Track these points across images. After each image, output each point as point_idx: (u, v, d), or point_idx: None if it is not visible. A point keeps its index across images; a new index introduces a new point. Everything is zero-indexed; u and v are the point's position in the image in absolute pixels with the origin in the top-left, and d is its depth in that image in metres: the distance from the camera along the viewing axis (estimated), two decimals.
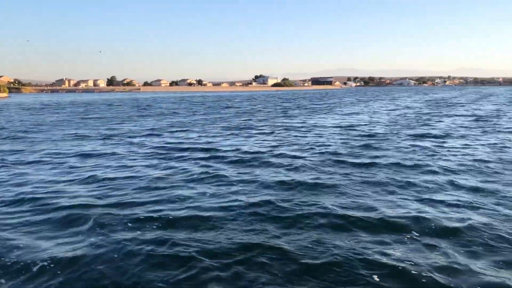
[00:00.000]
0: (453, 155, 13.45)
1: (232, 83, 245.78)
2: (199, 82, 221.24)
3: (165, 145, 16.20)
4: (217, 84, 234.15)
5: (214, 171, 11.09)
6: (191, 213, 7.66)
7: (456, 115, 29.56)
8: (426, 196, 8.66)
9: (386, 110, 37.22)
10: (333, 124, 23.93)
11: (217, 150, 14.63)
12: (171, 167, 11.78)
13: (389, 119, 26.56)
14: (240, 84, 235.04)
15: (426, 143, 15.68)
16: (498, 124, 22.78)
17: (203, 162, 12.50)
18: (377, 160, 12.49)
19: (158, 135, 19.50)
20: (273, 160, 12.67)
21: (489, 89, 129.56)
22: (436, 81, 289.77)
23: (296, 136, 18.46)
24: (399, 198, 8.44)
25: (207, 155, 13.65)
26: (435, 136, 17.64)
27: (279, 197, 8.60)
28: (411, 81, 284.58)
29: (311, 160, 12.53)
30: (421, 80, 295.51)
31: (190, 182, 10.02)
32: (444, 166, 11.63)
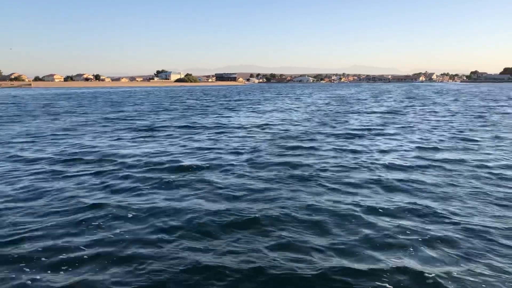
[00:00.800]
0: (385, 152, 12.56)
1: (132, 78, 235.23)
2: (97, 77, 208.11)
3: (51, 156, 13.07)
4: (117, 79, 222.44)
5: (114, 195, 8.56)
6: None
7: (368, 112, 29.49)
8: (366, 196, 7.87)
9: (297, 106, 36.59)
10: (252, 123, 22.07)
11: (121, 160, 11.97)
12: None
13: (306, 117, 25.49)
14: (141, 79, 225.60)
15: (355, 142, 14.56)
16: (410, 121, 22.72)
17: (103, 179, 9.90)
18: (312, 162, 11.09)
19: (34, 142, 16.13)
20: (209, 173, 10.46)
21: (382, 86, 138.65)
22: (332, 78, 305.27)
23: (217, 138, 16.33)
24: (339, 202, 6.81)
25: (110, 168, 10.97)
26: (362, 136, 16.63)
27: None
28: (310, 78, 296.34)
29: (242, 167, 10.65)
30: (319, 77, 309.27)
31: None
32: (378, 165, 10.70)
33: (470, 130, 18.52)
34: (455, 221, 6.87)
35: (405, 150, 13.31)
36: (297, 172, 10.29)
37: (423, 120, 23.24)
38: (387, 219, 7.02)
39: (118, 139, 16.41)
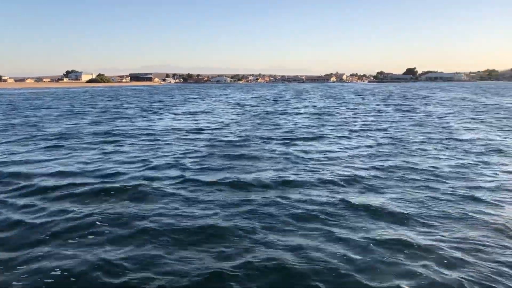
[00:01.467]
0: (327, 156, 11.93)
1: (39, 79, 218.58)
2: None
3: None
4: (21, 80, 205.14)
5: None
6: None
7: (299, 113, 29.39)
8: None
9: (223, 107, 35.65)
10: (183, 127, 20.75)
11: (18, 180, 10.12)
12: None
13: (237, 119, 24.67)
14: (49, 80, 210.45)
15: (298, 147, 14.01)
16: (347, 122, 22.85)
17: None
18: (258, 175, 9.96)
19: None
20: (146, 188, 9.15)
21: (299, 86, 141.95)
22: (249, 78, 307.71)
23: (148, 147, 14.88)
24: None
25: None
26: (303, 139, 16.16)
27: None
28: (227, 78, 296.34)
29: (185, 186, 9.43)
30: (236, 78, 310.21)
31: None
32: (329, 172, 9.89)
33: (405, 130, 18.89)
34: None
35: (355, 154, 13.02)
36: (248, 183, 9.41)
37: (359, 121, 23.47)
38: (344, 221, 6.76)
39: (26, 152, 14.37)
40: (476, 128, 19.46)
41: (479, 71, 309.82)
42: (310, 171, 10.57)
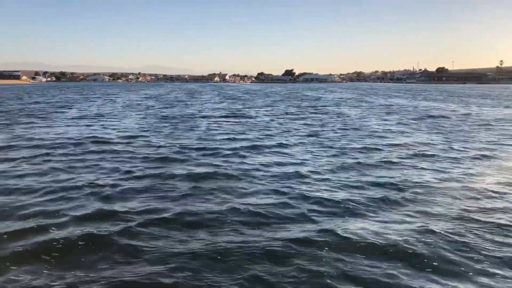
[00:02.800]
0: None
1: None
2: None
3: None
4: None
5: None
6: None
7: (215, 116, 26.62)
8: None
9: (121, 110, 31.06)
10: (87, 135, 16.63)
11: None
12: None
13: (145, 124, 21.12)
14: None
15: (253, 159, 11.38)
16: (275, 126, 20.79)
17: None
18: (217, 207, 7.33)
19: None
20: None
21: (186, 85, 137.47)
22: (129, 77, 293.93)
23: (42, 168, 11.01)
24: None
25: None
26: (250, 147, 13.62)
27: None
28: (106, 77, 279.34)
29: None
30: (115, 76, 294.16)
31: None
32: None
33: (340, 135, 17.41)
34: None
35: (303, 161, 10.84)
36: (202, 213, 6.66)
37: (291, 125, 21.55)
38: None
39: None
40: (406, 130, 18.86)
41: (348, 73, 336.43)
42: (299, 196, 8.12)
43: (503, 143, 15.24)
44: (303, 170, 10.40)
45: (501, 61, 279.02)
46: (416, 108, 34.74)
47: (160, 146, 14.03)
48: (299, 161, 11.64)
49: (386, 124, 21.61)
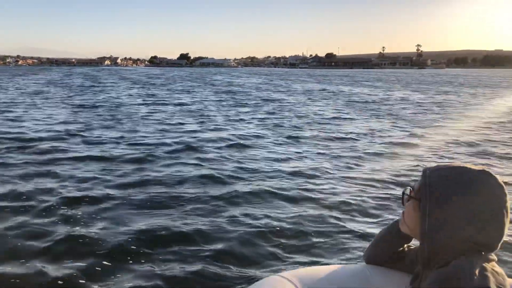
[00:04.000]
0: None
1: None
2: None
3: None
4: None
5: None
6: None
7: (145, 104, 24.04)
8: None
9: (24, 99, 26.71)
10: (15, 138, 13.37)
11: None
12: None
13: (71, 116, 18.17)
14: None
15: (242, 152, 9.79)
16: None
17: None
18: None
19: None
20: None
21: (79, 69, 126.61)
22: (8, 60, 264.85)
23: None
24: None
25: None
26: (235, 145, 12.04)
27: None
28: None
29: None
30: None
31: None
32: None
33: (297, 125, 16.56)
34: None
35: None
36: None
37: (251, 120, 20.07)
38: None
39: None
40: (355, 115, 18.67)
41: (242, 58, 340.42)
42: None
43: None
44: (320, 167, 9.22)
45: (383, 47, 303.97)
46: (344, 92, 35.44)
47: (124, 143, 11.82)
48: (312, 159, 10.42)
49: (339, 111, 21.25)
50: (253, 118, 17.63)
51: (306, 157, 10.03)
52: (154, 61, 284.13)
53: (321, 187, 7.46)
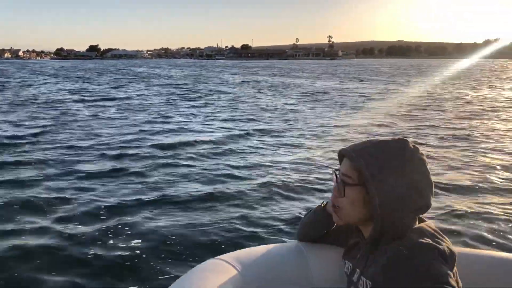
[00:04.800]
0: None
1: None
2: None
3: None
4: None
5: None
6: None
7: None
8: None
9: None
10: None
11: None
12: None
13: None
14: None
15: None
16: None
17: None
18: None
19: None
20: None
21: None
22: None
23: None
24: None
25: None
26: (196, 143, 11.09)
27: None
28: None
29: None
30: None
31: None
32: None
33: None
34: None
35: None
36: None
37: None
38: None
39: None
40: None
41: (155, 49, 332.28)
42: None
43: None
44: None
45: (297, 38, 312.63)
46: (284, 83, 35.43)
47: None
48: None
49: (289, 103, 20.93)
50: (216, 112, 16.76)
51: (258, 148, 10.04)
52: (61, 54, 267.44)
53: (252, 172, 7.74)
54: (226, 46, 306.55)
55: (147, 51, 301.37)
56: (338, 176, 1.44)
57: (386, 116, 15.11)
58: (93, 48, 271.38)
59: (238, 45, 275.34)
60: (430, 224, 1.36)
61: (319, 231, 1.73)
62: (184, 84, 34.32)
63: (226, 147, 9.89)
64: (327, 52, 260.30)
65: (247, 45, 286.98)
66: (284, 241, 4.46)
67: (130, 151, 9.37)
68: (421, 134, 11.65)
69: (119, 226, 5.15)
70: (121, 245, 4.67)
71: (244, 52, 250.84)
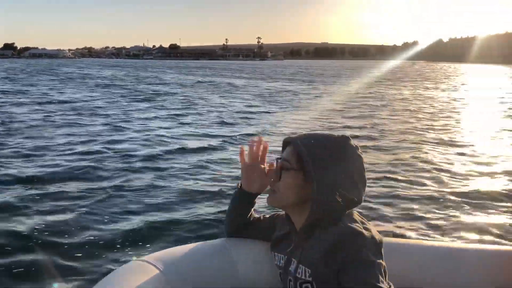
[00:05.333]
0: None
1: None
2: None
3: None
4: None
5: None
6: None
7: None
8: None
9: None
10: None
11: None
12: None
13: None
14: None
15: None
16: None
17: None
18: None
19: None
20: None
21: None
22: None
23: None
24: None
25: None
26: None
27: None
28: None
29: None
30: None
31: None
32: None
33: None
34: None
35: None
36: None
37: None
38: None
39: None
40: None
41: (78, 48, 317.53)
42: None
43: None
44: None
45: (226, 39, 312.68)
46: (233, 84, 35.22)
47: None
48: None
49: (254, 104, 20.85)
50: (168, 115, 16.27)
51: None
52: None
53: (173, 172, 7.80)
54: (154, 46, 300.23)
55: (69, 50, 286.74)
56: (278, 162, 1.51)
57: (330, 113, 16.66)
58: (8, 47, 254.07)
59: (165, 44, 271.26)
60: (356, 213, 1.45)
61: (243, 215, 1.72)
62: (125, 85, 32.92)
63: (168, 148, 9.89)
64: (257, 53, 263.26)
65: (175, 44, 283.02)
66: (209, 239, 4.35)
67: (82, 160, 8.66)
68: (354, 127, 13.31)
69: (43, 230, 5.02)
70: (42, 247, 4.57)
71: (174, 52, 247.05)
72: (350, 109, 18.31)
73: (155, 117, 15.43)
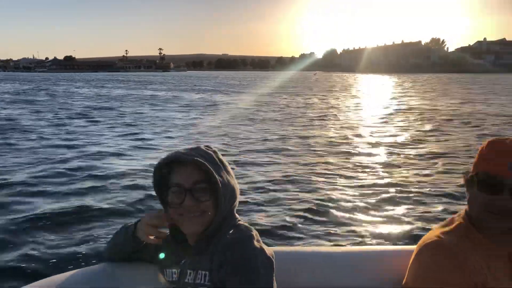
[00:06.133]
0: None
1: None
2: None
3: None
4: None
5: None
6: None
7: None
8: None
9: None
10: None
11: None
12: None
13: None
14: None
15: None
16: None
17: None
18: None
19: None
20: None
21: None
22: None
23: None
24: None
25: None
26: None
27: None
28: None
29: None
30: None
31: None
32: None
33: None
34: None
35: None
36: None
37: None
38: None
39: None
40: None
41: None
42: None
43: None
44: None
45: (126, 50, 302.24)
46: (168, 97, 34.76)
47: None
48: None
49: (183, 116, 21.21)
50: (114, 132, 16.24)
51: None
52: None
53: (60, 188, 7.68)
54: (47, 58, 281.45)
55: None
56: (190, 187, 1.42)
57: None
58: None
59: (59, 56, 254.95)
60: (244, 222, 1.54)
61: (130, 249, 1.68)
62: (38, 100, 31.18)
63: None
64: (159, 64, 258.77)
65: (71, 56, 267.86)
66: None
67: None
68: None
69: None
70: None
71: (69, 64, 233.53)
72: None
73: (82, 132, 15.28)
